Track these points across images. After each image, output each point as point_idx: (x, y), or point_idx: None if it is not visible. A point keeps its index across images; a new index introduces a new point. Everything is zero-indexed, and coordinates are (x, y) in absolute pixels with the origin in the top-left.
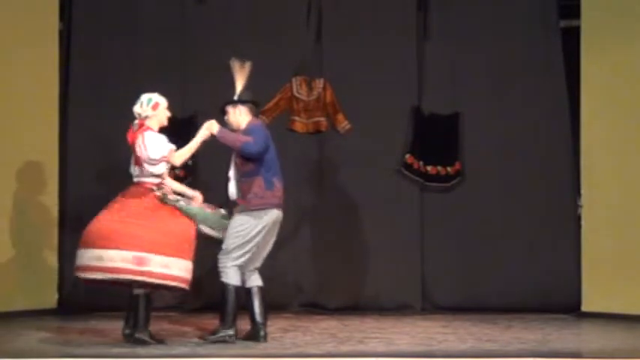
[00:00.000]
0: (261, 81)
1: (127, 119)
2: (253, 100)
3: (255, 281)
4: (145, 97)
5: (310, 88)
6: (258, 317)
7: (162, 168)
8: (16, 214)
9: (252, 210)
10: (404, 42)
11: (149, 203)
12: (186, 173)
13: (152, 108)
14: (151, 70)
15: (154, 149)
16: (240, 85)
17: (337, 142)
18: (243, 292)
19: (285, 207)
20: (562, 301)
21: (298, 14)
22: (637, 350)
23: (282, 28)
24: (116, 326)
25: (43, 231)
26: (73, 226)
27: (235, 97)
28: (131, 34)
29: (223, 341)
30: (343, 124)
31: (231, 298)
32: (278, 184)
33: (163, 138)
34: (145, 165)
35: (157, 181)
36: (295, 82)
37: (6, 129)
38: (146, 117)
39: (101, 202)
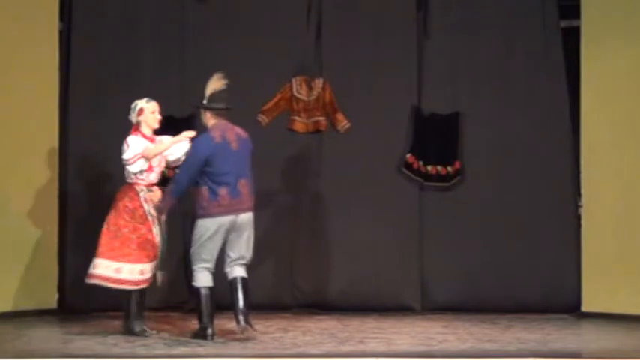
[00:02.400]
0: (261, 81)
1: (127, 119)
2: (215, 106)
3: (233, 273)
4: (132, 105)
5: (310, 88)
6: (235, 305)
7: (138, 166)
8: (16, 213)
9: (199, 219)
10: (404, 42)
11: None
12: None
13: (137, 114)
14: (151, 70)
15: (129, 150)
16: (209, 90)
17: (337, 141)
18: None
19: (284, 206)
20: (562, 301)
21: (298, 14)
22: (637, 350)
23: (282, 28)
24: (116, 326)
25: (43, 231)
26: (73, 226)
27: (205, 102)
28: (131, 34)
29: (198, 337)
30: (343, 124)
31: (201, 299)
32: (225, 193)
33: (142, 141)
34: (126, 167)
35: (142, 182)
36: (295, 82)
37: (6, 128)
38: (137, 123)
39: (101, 201)
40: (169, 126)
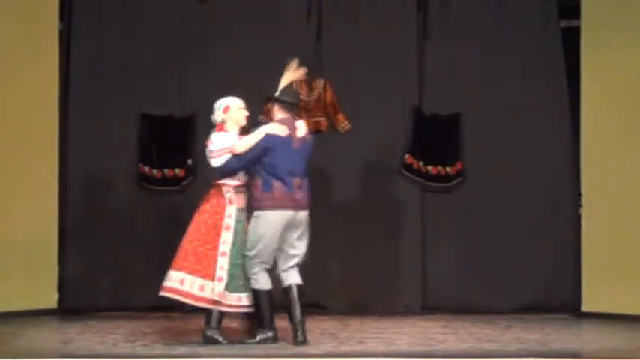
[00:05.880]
0: (261, 81)
1: (127, 119)
2: (287, 100)
3: (288, 279)
4: (216, 104)
5: (310, 88)
6: (294, 317)
7: (221, 160)
8: (16, 214)
9: (256, 211)
10: (404, 42)
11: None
12: (186, 173)
13: (223, 112)
14: (151, 69)
15: (216, 144)
16: (283, 83)
17: (337, 142)
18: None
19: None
20: (562, 301)
21: (298, 14)
22: (637, 350)
23: (282, 28)
24: (116, 326)
25: (43, 231)
26: (73, 227)
27: (277, 94)
28: (131, 34)
29: (264, 342)
30: (343, 124)
31: (263, 301)
32: (280, 186)
33: (231, 135)
34: (209, 161)
35: (232, 182)
36: (295, 82)
37: (5, 129)
38: (222, 121)
39: (101, 201)
40: (169, 126)
